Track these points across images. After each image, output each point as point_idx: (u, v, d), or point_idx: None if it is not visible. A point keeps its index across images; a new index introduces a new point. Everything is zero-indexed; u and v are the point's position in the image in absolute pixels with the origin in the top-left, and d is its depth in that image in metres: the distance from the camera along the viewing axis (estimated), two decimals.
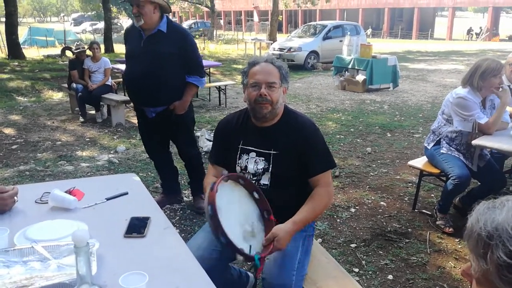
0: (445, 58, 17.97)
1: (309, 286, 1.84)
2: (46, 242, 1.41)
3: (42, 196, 1.86)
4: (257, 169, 1.97)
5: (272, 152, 1.96)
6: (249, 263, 2.26)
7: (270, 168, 1.95)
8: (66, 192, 1.85)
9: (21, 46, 15.00)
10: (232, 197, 1.78)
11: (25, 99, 8.53)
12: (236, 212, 1.77)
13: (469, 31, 37.36)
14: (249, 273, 2.35)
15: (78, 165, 4.71)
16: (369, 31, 34.91)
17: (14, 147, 5.34)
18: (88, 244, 0.85)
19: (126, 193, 1.94)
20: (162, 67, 3.00)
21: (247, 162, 1.99)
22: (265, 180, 1.96)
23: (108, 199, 1.88)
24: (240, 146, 2.03)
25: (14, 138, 5.73)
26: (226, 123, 2.15)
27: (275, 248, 1.73)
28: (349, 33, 12.24)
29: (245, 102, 1.99)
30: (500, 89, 2.98)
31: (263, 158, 1.98)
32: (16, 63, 12.72)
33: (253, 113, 1.97)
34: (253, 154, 2.00)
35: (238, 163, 2.01)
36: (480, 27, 36.59)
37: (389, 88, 9.76)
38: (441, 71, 13.42)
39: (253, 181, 1.95)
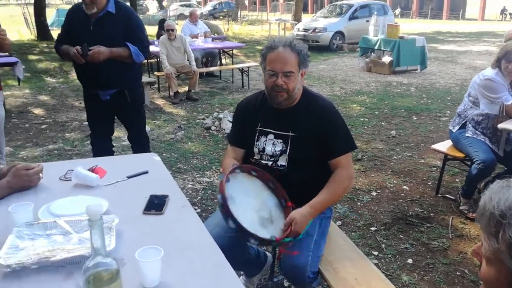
0: (477, 39, 17.32)
1: (325, 267, 1.85)
2: (68, 217, 1.46)
3: (66, 173, 1.91)
4: (275, 151, 1.97)
5: (290, 134, 1.95)
6: (264, 247, 2.31)
7: (288, 150, 1.95)
8: (89, 170, 1.90)
9: (49, 28, 15.28)
10: (247, 188, 1.83)
11: (54, 80, 8.73)
12: (252, 201, 1.80)
13: (503, 11, 35.72)
14: (267, 253, 2.38)
15: None
16: (397, 11, 33.93)
17: (43, 126, 5.50)
18: (101, 217, 0.88)
19: (146, 172, 1.97)
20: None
21: (265, 144, 1.99)
22: (282, 161, 1.96)
23: (129, 177, 1.92)
24: (258, 128, 2.03)
25: (43, 118, 5.89)
26: (245, 105, 2.15)
27: (293, 232, 1.74)
28: (375, 13, 11.92)
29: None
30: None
31: (281, 140, 1.97)
32: (45, 45, 13.00)
33: (270, 98, 1.96)
34: (271, 136, 2.00)
35: (256, 145, 2.02)
36: None
37: (416, 70, 9.51)
38: (471, 53, 12.97)
39: (270, 163, 1.96)
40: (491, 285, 0.79)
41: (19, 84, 6.99)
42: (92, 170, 1.92)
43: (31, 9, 14.83)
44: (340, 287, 1.73)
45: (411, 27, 21.81)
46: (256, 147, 2.02)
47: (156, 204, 1.66)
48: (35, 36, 14.61)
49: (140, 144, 3.44)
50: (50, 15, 20.79)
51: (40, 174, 1.79)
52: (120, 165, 2.07)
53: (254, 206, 1.79)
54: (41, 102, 6.86)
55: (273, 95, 1.92)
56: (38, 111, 6.29)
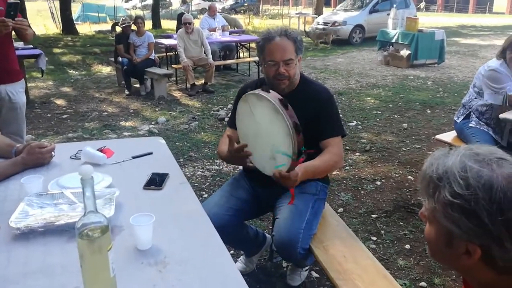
0: (501, 33, 16.84)
1: (316, 244, 1.94)
2: (74, 189, 1.60)
3: (76, 153, 2.06)
4: None
5: None
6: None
7: None
8: (98, 150, 2.04)
9: (75, 22, 15.67)
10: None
11: (76, 72, 9.03)
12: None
13: None
14: (267, 234, 2.48)
15: (121, 134, 5.01)
16: (422, 4, 33.30)
17: (64, 116, 5.74)
18: (92, 177, 1.00)
19: (150, 153, 2.10)
20: None
21: None
22: None
23: (134, 157, 2.05)
24: None
25: (64, 108, 6.14)
26: (244, 90, 2.25)
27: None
28: (394, 6, 11.78)
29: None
30: None
31: None
32: (69, 38, 13.35)
33: (272, 87, 2.05)
34: None
35: None
36: None
37: (435, 63, 9.40)
38: (494, 47, 12.63)
39: None
40: (432, 243, 0.88)
41: (42, 76, 7.27)
42: (100, 150, 2.06)
43: (57, 4, 15.24)
44: (328, 263, 1.82)
45: (435, 20, 21.40)
46: None
47: (156, 181, 1.78)
48: (60, 30, 15.02)
49: None
50: (76, 9, 21.35)
51: (52, 153, 1.94)
52: (127, 146, 2.20)
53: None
54: (63, 93, 7.12)
55: (276, 84, 2.01)
56: (60, 101, 6.55)
